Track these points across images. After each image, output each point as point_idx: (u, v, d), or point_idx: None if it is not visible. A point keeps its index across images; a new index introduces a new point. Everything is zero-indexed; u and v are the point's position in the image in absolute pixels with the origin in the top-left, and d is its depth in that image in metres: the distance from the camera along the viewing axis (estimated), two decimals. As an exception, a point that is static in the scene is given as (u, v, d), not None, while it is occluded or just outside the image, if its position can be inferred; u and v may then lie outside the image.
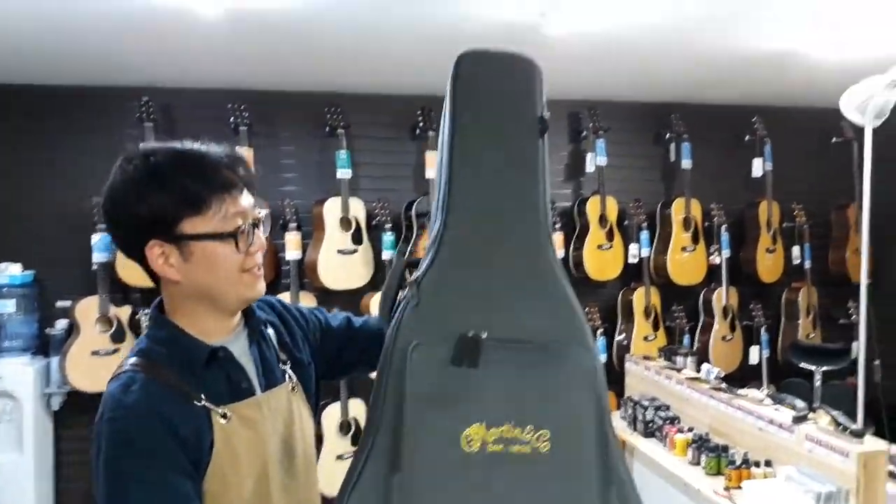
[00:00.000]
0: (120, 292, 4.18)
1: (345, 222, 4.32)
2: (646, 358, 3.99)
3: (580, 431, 1.14)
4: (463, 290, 1.18)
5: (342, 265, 4.31)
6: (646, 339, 4.72)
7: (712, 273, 4.86)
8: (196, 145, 1.28)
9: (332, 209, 4.30)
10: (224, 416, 1.26)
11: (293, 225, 4.28)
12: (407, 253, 4.35)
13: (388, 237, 4.38)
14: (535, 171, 1.23)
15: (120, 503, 1.18)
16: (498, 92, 1.23)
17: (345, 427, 4.26)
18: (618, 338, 4.75)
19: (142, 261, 1.28)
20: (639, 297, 4.72)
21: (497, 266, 1.20)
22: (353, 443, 4.28)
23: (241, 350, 1.36)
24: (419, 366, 1.11)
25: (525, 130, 1.22)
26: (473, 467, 1.10)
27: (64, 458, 4.37)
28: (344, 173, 4.32)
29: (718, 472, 2.92)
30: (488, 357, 1.12)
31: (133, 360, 1.27)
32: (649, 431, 3.47)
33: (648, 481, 3.62)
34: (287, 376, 1.41)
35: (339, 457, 4.23)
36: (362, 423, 4.31)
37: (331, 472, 4.23)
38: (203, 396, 1.25)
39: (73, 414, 4.33)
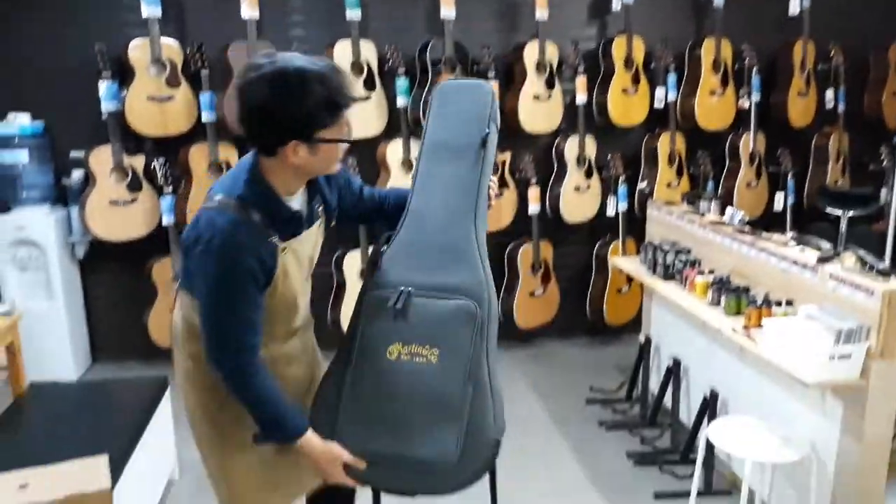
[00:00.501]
0: (132, 141, 4.10)
1: (356, 67, 4.14)
2: (668, 203, 3.93)
3: (458, 351, 1.82)
4: (407, 260, 1.90)
5: (355, 113, 4.17)
6: (669, 185, 4.63)
7: (740, 118, 4.68)
8: (323, 61, 1.64)
9: (342, 53, 4.11)
10: (284, 249, 1.72)
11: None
12: (422, 100, 4.19)
13: (401, 82, 4.21)
14: (469, 175, 1.96)
15: (227, 310, 1.65)
16: (457, 117, 2.01)
17: (363, 273, 4.30)
18: (640, 185, 4.66)
19: (268, 149, 1.66)
20: (663, 143, 4.58)
21: (432, 246, 1.91)
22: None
23: (301, 201, 1.80)
24: (371, 306, 1.87)
25: (470, 147, 1.98)
26: (393, 369, 1.82)
27: (93, 304, 4.48)
28: (353, 14, 4.09)
29: (738, 312, 2.92)
30: (412, 302, 1.84)
31: (225, 198, 1.65)
32: (669, 274, 3.46)
33: (666, 321, 3.66)
34: (320, 215, 1.88)
35: (361, 303, 4.30)
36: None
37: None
38: (276, 236, 1.69)
39: (98, 262, 4.41)
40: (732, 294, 2.94)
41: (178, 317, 1.91)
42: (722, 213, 3.48)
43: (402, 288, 1.84)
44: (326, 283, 4.39)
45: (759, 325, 2.68)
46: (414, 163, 2.15)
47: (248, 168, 1.70)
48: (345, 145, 1.71)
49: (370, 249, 2.21)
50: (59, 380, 4.18)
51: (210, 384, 1.81)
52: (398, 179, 4.26)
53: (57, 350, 4.18)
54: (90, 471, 2.09)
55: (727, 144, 4.75)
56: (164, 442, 3.05)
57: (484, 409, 1.84)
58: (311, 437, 1.77)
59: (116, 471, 2.42)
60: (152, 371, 4.26)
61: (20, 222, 4.03)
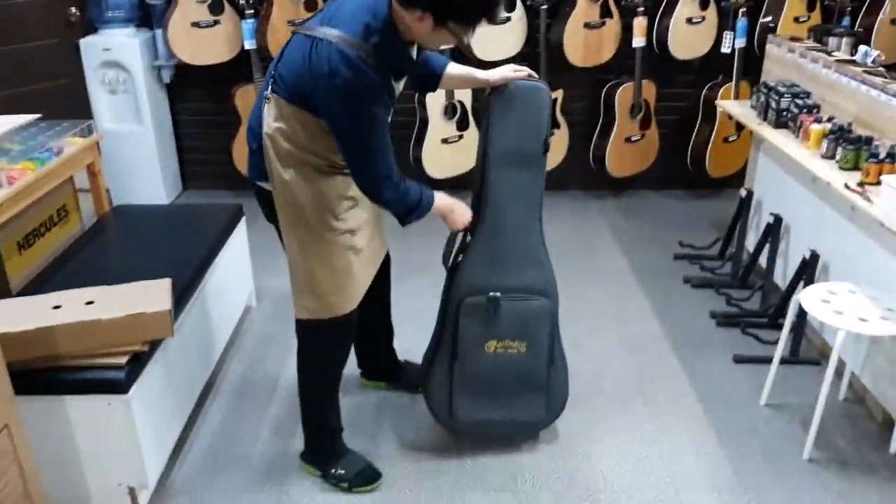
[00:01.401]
0: (213, -41, 3.92)
1: None
2: (792, 39, 3.43)
3: (540, 341, 2.29)
4: (490, 267, 2.22)
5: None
6: (797, 20, 4.06)
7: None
8: None
9: None
10: (394, 86, 1.90)
11: None
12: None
13: None
14: (535, 183, 2.20)
15: (368, 136, 1.83)
16: (520, 125, 2.15)
17: (449, 111, 4.10)
18: (763, 19, 4.11)
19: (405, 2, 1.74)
20: (796, -31, 3.97)
21: (508, 253, 2.22)
22: (458, 127, 4.15)
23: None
24: (468, 310, 2.24)
25: (535, 155, 2.17)
26: (491, 359, 2.28)
27: (182, 130, 4.52)
28: None
29: (855, 167, 2.57)
30: (501, 305, 2.23)
31: (350, 38, 1.75)
32: (781, 121, 3.08)
33: (772, 174, 3.32)
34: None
35: (444, 140, 4.14)
36: (468, 106, 4.13)
37: (436, 153, 4.18)
38: (392, 76, 1.86)
39: (184, 87, 4.39)
40: (851, 145, 2.58)
41: (270, 127, 1.92)
42: (853, 51, 3.01)
43: (492, 294, 2.21)
44: (409, 122, 4.23)
45: (878, 183, 2.35)
46: (480, 168, 2.22)
47: (372, 8, 1.78)
48: (455, 41, 1.80)
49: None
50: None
51: (315, 188, 1.97)
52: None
53: (148, 175, 4.28)
54: (153, 293, 2.13)
55: (876, -28, 4.07)
56: (240, 268, 3.10)
57: (560, 379, 2.38)
58: (440, 198, 2.08)
59: (191, 290, 2.49)
60: (240, 199, 4.36)
61: (107, 43, 4.01)
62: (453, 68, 2.21)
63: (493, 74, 2.16)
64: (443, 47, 2.01)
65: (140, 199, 4.31)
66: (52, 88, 4.20)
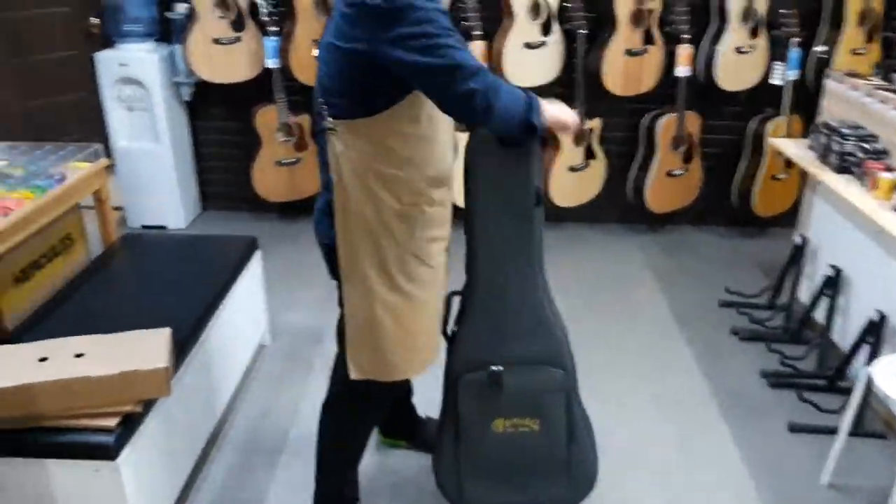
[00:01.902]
0: (238, -26, 3.74)
1: None
2: (852, 75, 3.17)
3: (555, 417, 2.01)
4: (489, 335, 1.97)
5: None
6: (855, 52, 3.79)
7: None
8: None
9: None
10: None
11: None
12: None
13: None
14: (531, 237, 1.92)
15: (438, 37, 1.53)
16: (507, 175, 1.88)
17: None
18: (817, 48, 3.85)
19: None
20: (856, -2, 3.71)
21: (509, 318, 1.96)
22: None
23: None
24: (467, 388, 1.99)
25: (526, 209, 1.90)
26: (501, 440, 2.02)
27: (202, 150, 4.34)
28: None
29: (937, 224, 2.31)
30: (504, 379, 1.97)
31: None
32: (844, 166, 2.82)
33: (830, 221, 3.05)
34: None
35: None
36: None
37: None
38: None
39: (205, 105, 4.21)
40: (932, 200, 2.31)
41: (348, 152, 1.68)
42: (929, 92, 2.75)
43: (493, 368, 1.95)
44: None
45: (967, 246, 2.09)
46: (471, 217, 1.93)
47: None
48: None
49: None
50: (168, 226, 4.16)
51: (399, 224, 1.73)
52: (524, 30, 3.70)
53: (166, 195, 4.11)
54: (149, 346, 1.91)
55: (943, 3, 3.80)
56: (253, 305, 2.89)
57: (585, 456, 2.09)
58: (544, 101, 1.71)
59: (197, 333, 2.29)
60: (259, 223, 4.19)
61: (123, 58, 3.84)
62: None
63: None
64: None
65: (157, 220, 4.15)
66: (69, 102, 4.07)
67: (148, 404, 1.91)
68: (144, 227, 4.16)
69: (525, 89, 1.68)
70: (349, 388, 1.92)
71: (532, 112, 1.64)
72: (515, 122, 1.64)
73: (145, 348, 1.90)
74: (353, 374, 1.87)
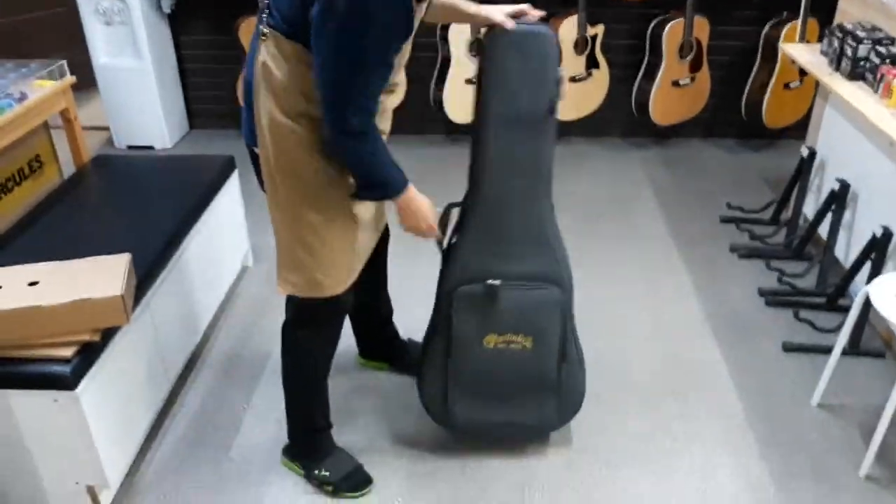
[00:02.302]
0: None
1: None
2: (875, -28, 2.92)
3: (549, 336, 1.96)
4: (488, 249, 1.89)
5: None
6: (880, -53, 3.50)
7: None
8: None
9: None
10: (414, 10, 1.48)
11: None
12: None
13: None
14: (541, 151, 1.83)
15: (364, 68, 1.48)
16: (521, 82, 1.75)
17: (474, 47, 3.68)
18: (839, -55, 3.56)
19: None
20: None
21: (511, 234, 1.88)
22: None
23: None
24: (462, 301, 1.92)
25: (539, 117, 1.79)
26: (491, 356, 1.96)
27: (188, 65, 4.18)
28: None
29: (949, 134, 2.14)
30: (501, 294, 1.90)
31: None
32: (857, 72, 2.62)
33: (841, 133, 2.88)
34: None
35: (469, 80, 3.73)
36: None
37: (460, 95, 3.79)
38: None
39: (187, 18, 4.03)
40: (946, 108, 2.14)
41: (271, 64, 1.57)
42: (954, -12, 2.52)
43: (490, 282, 1.87)
44: (429, 60, 3.83)
45: (979, 158, 1.93)
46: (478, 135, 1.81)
47: None
48: None
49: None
50: (155, 146, 4.05)
51: (311, 144, 1.63)
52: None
53: (150, 114, 3.98)
54: (106, 272, 1.84)
55: None
56: (232, 227, 2.81)
57: (574, 378, 2.04)
58: (411, 189, 1.73)
59: (168, 255, 2.24)
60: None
61: (97, -32, 3.65)
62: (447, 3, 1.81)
63: (493, 14, 1.72)
64: None
65: (143, 140, 4.04)
66: (46, 18, 3.90)
67: (109, 332, 1.86)
68: (130, 147, 4.06)
69: (400, 178, 1.69)
70: (297, 310, 1.86)
71: (371, 190, 1.69)
72: (360, 184, 1.68)
73: (101, 275, 1.83)
74: (280, 290, 1.83)
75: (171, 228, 2.30)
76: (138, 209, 2.40)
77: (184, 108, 4.26)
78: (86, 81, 3.44)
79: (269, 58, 1.58)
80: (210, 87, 4.22)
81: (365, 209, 1.81)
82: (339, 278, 1.81)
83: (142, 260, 2.07)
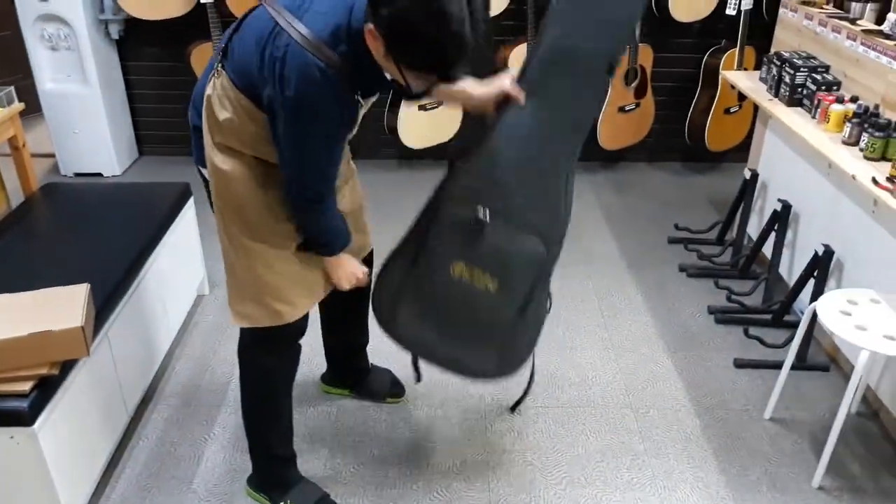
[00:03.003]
0: None
1: None
2: (807, 3, 3.08)
3: (515, 287, 1.84)
4: (495, 178, 1.76)
5: None
6: (810, -20, 3.70)
7: None
8: (471, 28, 1.38)
9: None
10: (360, 105, 1.61)
11: None
12: None
13: None
14: (588, 101, 1.78)
15: (310, 152, 1.58)
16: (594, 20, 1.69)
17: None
18: (772, -22, 3.75)
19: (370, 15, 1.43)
20: (812, -77, 3.59)
21: (523, 176, 1.77)
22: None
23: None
24: (447, 218, 1.81)
25: (597, 68, 1.72)
26: (452, 284, 1.85)
27: (136, 91, 4.12)
28: None
29: (883, 157, 2.27)
30: (487, 228, 1.78)
31: (317, 40, 1.46)
32: (795, 98, 2.76)
33: (781, 156, 3.01)
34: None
35: (422, 107, 3.78)
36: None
37: (413, 121, 3.83)
38: (358, 92, 1.57)
39: (137, 44, 3.98)
40: (879, 132, 2.27)
41: (216, 103, 1.63)
42: (881, 20, 2.68)
43: (481, 209, 1.76)
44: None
45: (911, 179, 2.05)
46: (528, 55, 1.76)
47: (350, 6, 1.49)
48: (405, 84, 1.49)
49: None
50: (104, 173, 3.98)
51: (250, 179, 1.69)
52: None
53: (98, 141, 3.90)
54: (64, 304, 1.80)
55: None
56: (188, 255, 2.78)
57: (526, 335, 1.94)
58: (342, 256, 1.84)
59: (126, 286, 2.20)
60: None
61: (43, -7, 3.59)
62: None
63: (491, 90, 1.76)
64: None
65: (90, 167, 3.96)
66: (-11, 43, 3.80)
67: (68, 364, 1.82)
68: (78, 174, 3.97)
69: (338, 246, 1.81)
70: (252, 335, 1.85)
71: (319, 247, 1.80)
72: (306, 238, 1.77)
73: (60, 307, 1.79)
74: (235, 321, 1.81)
75: (129, 257, 2.26)
76: (93, 238, 2.36)
77: (133, 135, 4.19)
78: (30, 107, 3.37)
79: (215, 95, 1.63)
80: (160, 113, 4.17)
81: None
82: (297, 304, 1.81)
83: (99, 290, 2.03)
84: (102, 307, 2.02)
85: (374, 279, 1.98)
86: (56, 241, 2.39)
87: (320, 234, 1.77)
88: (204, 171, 1.76)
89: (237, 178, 1.67)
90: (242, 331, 1.88)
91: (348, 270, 1.87)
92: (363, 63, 1.50)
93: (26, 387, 1.69)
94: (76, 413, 1.88)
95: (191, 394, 2.44)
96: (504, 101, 1.77)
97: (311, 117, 1.52)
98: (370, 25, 1.42)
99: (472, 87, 1.79)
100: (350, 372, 2.40)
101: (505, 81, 1.76)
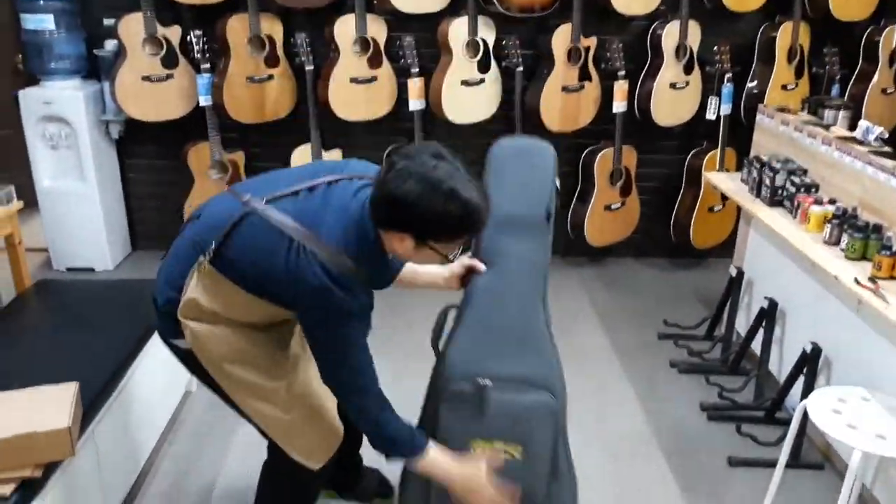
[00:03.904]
0: (168, 10, 3.66)
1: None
2: (782, 110, 3.23)
3: (539, 447, 1.83)
4: (479, 346, 1.85)
5: (419, -17, 3.57)
6: (785, 87, 3.88)
7: (885, 6, 3.83)
8: (479, 191, 1.53)
9: None
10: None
11: None
12: None
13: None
14: (540, 251, 1.93)
15: (350, 353, 1.64)
16: (520, 188, 1.93)
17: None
18: (749, 84, 3.93)
19: (381, 224, 1.56)
20: (784, 34, 3.79)
21: (503, 331, 1.86)
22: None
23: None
24: (449, 400, 1.82)
25: (538, 223, 1.93)
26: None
27: (133, 188, 4.20)
28: None
29: (863, 257, 2.33)
30: (491, 397, 1.79)
31: (337, 252, 1.54)
32: (776, 200, 2.85)
33: (765, 254, 3.08)
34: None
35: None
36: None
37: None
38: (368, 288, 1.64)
39: (136, 144, 4.09)
40: (858, 233, 2.34)
41: (201, 299, 1.67)
42: (853, 126, 2.80)
43: (480, 381, 1.80)
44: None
45: (892, 278, 2.10)
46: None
47: (358, 221, 1.58)
48: (443, 259, 1.64)
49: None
50: (96, 268, 4.00)
51: (235, 340, 1.72)
52: (461, 68, 3.70)
53: (92, 236, 3.94)
54: (51, 404, 1.78)
55: (863, 39, 3.92)
56: (178, 351, 2.76)
57: (564, 497, 1.93)
58: (438, 455, 1.75)
59: (113, 385, 2.18)
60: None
61: (48, 96, 3.70)
62: (407, 271, 1.99)
63: (454, 268, 1.93)
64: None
65: (83, 262, 3.98)
66: (-7, 140, 3.90)
67: (52, 465, 1.78)
68: (70, 269, 3.99)
69: (417, 437, 1.73)
70: (282, 456, 1.84)
71: (392, 453, 1.73)
72: (381, 450, 1.74)
73: (47, 406, 1.77)
74: (315, 465, 1.85)
75: (116, 355, 2.25)
76: (83, 336, 2.35)
77: (127, 230, 4.24)
78: (26, 202, 3.42)
79: (199, 289, 1.65)
80: (155, 210, 4.23)
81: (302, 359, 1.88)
82: (323, 450, 1.87)
83: (86, 389, 2.01)
84: (89, 407, 1.99)
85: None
86: (47, 338, 2.38)
87: (386, 436, 1.72)
88: (178, 342, 1.77)
89: (219, 341, 1.70)
90: (272, 446, 1.87)
91: (477, 486, 1.75)
92: (376, 265, 1.63)
93: (7, 490, 1.65)
94: (58, 516, 1.83)
95: (174, 495, 2.38)
96: (467, 274, 1.92)
97: (351, 320, 1.59)
98: (391, 232, 1.53)
99: (439, 269, 1.94)
100: (341, 475, 2.35)
101: (464, 258, 1.92)
